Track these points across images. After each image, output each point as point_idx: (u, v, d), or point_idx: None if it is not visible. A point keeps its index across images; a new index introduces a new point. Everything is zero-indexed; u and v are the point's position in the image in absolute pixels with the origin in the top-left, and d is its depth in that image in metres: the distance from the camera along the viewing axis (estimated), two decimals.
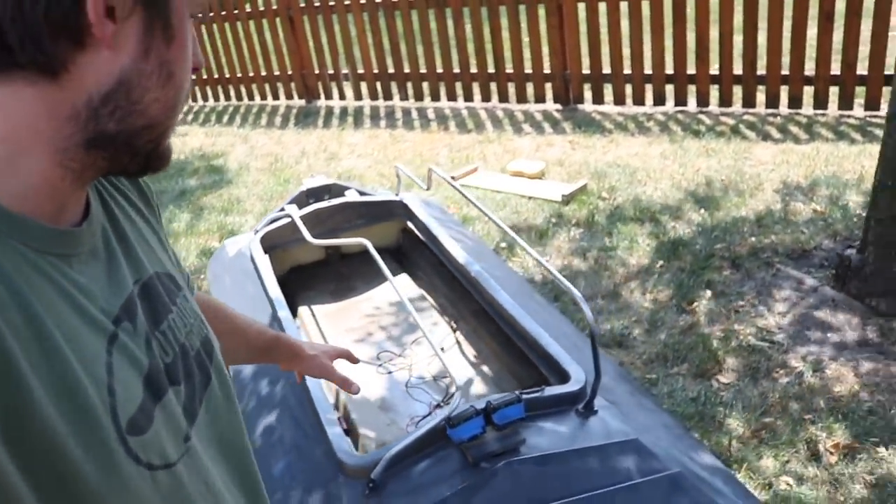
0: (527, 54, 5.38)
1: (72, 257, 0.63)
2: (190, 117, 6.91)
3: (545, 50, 5.37)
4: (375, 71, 6.07)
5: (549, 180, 4.19)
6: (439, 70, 5.79)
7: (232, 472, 0.79)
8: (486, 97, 5.67)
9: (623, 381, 2.24)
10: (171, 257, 0.84)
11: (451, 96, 5.82)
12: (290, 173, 5.06)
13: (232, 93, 7.00)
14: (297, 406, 2.23)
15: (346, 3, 5.96)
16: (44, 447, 0.53)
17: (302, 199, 3.53)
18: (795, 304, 2.83)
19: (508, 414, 1.82)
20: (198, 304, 1.01)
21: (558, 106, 5.38)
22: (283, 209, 3.41)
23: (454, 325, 2.81)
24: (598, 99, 5.24)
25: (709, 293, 2.99)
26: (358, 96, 6.29)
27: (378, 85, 6.14)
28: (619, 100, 5.16)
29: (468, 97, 5.75)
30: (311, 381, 2.20)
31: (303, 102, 6.56)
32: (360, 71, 6.16)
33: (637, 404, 2.19)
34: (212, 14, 6.68)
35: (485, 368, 2.65)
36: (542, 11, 5.22)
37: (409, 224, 3.07)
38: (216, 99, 7.15)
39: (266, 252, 3.16)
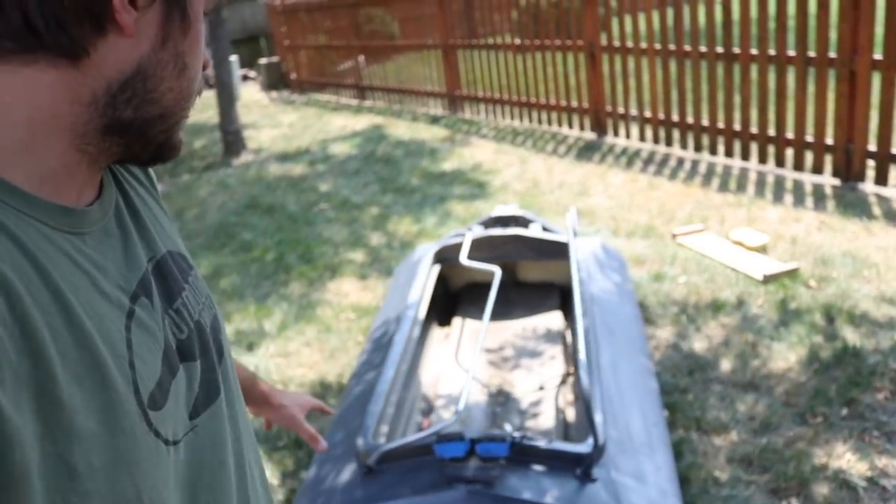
0: (810, 119, 5.00)
1: (85, 235, 0.64)
2: (492, 134, 7.50)
3: (830, 118, 4.94)
4: (661, 117, 6.07)
5: (768, 256, 3.94)
6: (720, 125, 5.62)
7: (241, 447, 0.79)
8: (762, 159, 5.38)
9: (663, 466, 2.21)
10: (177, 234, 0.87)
11: (729, 153, 5.60)
12: (538, 200, 5.33)
13: (534, 116, 7.45)
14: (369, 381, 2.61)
15: (643, 46, 6.04)
16: (66, 420, 0.53)
17: (489, 224, 3.83)
18: None
19: (491, 448, 1.99)
20: None
21: (836, 181, 4.92)
22: (470, 229, 3.75)
23: (569, 371, 2.92)
24: (881, 180, 4.70)
25: (844, 411, 2.67)
26: (642, 139, 6.34)
27: (662, 131, 6.12)
28: None
29: (745, 156, 5.49)
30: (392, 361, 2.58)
31: (594, 136, 6.77)
32: (648, 115, 6.20)
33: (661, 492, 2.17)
34: (526, 41, 7.19)
35: (548, 414, 2.74)
36: (832, 78, 4.82)
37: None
38: (519, 120, 7.65)
39: (439, 263, 3.53)
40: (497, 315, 3.56)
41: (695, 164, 5.69)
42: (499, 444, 1.99)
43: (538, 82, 7.25)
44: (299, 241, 5.16)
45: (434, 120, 8.53)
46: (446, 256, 3.51)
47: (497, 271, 2.97)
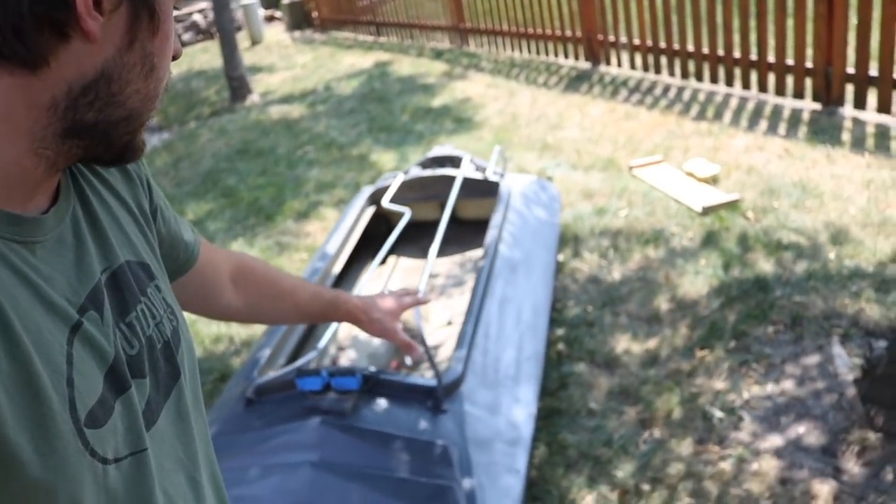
0: (790, 43, 4.80)
1: (35, 244, 0.61)
2: (490, 67, 7.41)
3: (809, 41, 4.73)
4: (650, 44, 5.90)
5: (717, 188, 3.87)
6: (705, 51, 5.44)
7: (192, 467, 0.76)
8: (745, 85, 5.20)
9: (524, 399, 2.28)
10: (155, 238, 0.82)
11: (714, 79, 5.44)
12: (511, 135, 5.30)
13: (532, 47, 7.31)
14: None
15: None
16: None
17: (427, 164, 3.87)
18: (801, 386, 2.42)
19: (343, 383, 2.11)
20: (240, 265, 1.07)
21: (817, 106, 4.75)
22: (406, 171, 3.80)
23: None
24: (859, 103, 4.51)
25: (732, 344, 2.67)
26: (633, 67, 6.18)
27: (651, 58, 5.96)
28: (884, 107, 4.38)
29: (729, 82, 5.32)
30: None
31: (589, 66, 6.63)
32: (637, 42, 6.03)
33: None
34: None
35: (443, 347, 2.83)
36: None
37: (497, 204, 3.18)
38: (519, 51, 7.53)
39: (373, 204, 3.60)
40: (426, 254, 3.63)
41: (680, 91, 5.54)
42: (350, 378, 2.11)
43: (534, 12, 7.10)
44: (277, 185, 5.28)
45: (438, 54, 8.46)
46: (379, 198, 3.57)
47: (407, 212, 3.03)
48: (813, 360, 2.54)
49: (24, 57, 0.56)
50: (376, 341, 3.01)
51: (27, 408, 0.54)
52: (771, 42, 4.98)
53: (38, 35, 0.56)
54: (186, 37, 12.92)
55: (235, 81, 7.89)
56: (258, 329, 3.36)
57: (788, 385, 2.45)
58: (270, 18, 13.63)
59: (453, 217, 3.84)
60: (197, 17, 12.87)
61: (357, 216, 3.46)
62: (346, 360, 2.95)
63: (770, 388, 2.45)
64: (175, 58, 0.69)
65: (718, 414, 2.37)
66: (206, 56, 11.37)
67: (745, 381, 2.49)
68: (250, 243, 4.39)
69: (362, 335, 3.09)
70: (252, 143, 6.45)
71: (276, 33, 12.51)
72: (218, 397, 2.99)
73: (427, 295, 2.24)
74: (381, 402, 2.14)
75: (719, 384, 2.50)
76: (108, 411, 0.62)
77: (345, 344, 3.04)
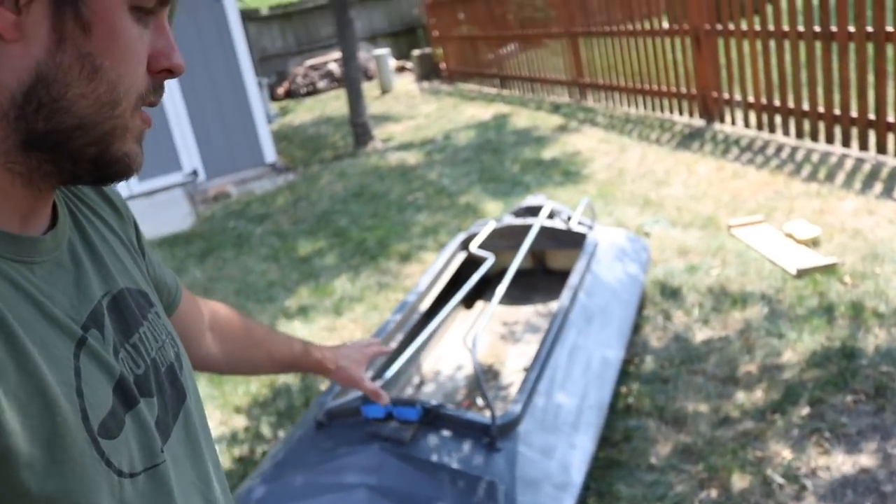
0: None
1: (34, 265, 0.62)
2: (605, 121, 7.48)
3: None
4: (764, 102, 5.81)
5: (817, 251, 3.77)
6: (820, 110, 5.31)
7: (206, 488, 0.76)
8: (863, 146, 5.04)
9: (580, 447, 2.33)
10: (147, 272, 0.84)
11: (829, 139, 5.29)
12: (615, 190, 5.34)
13: (646, 103, 7.33)
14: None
15: (744, 29, 5.81)
16: (11, 446, 0.52)
17: (520, 213, 4.00)
18: (874, 461, 2.33)
19: (404, 413, 2.27)
20: (215, 313, 1.07)
21: None
22: (500, 219, 3.95)
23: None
24: None
25: (806, 410, 2.60)
26: (747, 125, 6.09)
27: (765, 117, 5.86)
28: None
29: (846, 142, 5.16)
30: None
31: (703, 123, 6.58)
32: (751, 100, 5.95)
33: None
34: (619, 28, 7.09)
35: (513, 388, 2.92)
36: None
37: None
38: (634, 107, 7.55)
39: (464, 249, 3.77)
40: (518, 300, 3.74)
41: (793, 151, 5.42)
42: (411, 409, 2.25)
43: (651, 69, 7.13)
44: (385, 228, 5.54)
45: (556, 108, 8.60)
46: (486, 245, 3.72)
47: (490, 258, 3.17)
48: (892, 434, 2.45)
49: None
50: (454, 378, 3.13)
51: (40, 417, 0.55)
52: (890, 100, 4.82)
53: None
54: (322, 84, 13.68)
55: (359, 128, 8.31)
56: None
57: (861, 458, 2.37)
58: (401, 69, 14.22)
59: (543, 267, 3.94)
60: (332, 66, 13.61)
61: (448, 259, 3.61)
62: (418, 392, 3.08)
63: (840, 459, 2.38)
64: (172, 72, 0.66)
65: (780, 480, 2.32)
66: (336, 103, 12.00)
67: (814, 450, 2.43)
68: (352, 281, 4.63)
69: (445, 370, 3.23)
70: (368, 187, 6.77)
71: (405, 83, 13.05)
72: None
73: (472, 342, 2.31)
74: (439, 435, 2.25)
75: (787, 451, 2.45)
76: (120, 424, 0.62)
77: (425, 378, 3.18)
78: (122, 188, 7.44)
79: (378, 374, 2.66)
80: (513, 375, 3.11)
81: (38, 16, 0.58)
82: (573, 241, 3.59)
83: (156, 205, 7.24)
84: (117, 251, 0.77)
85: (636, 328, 3.33)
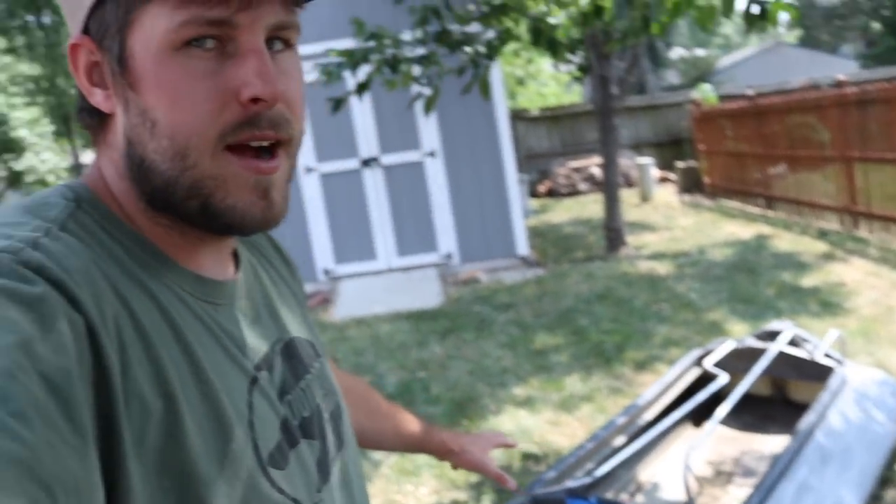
0: None
1: (218, 306, 0.68)
2: (877, 254, 6.92)
3: None
4: None
5: None
6: None
7: None
8: None
9: None
10: (312, 327, 0.86)
11: None
12: (879, 328, 4.92)
13: None
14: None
15: None
16: (189, 463, 0.57)
17: (762, 336, 3.87)
18: None
19: None
20: (347, 383, 1.05)
21: None
22: (741, 340, 3.86)
23: None
24: None
25: None
26: None
27: None
28: None
29: None
30: None
31: None
32: None
33: None
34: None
35: None
36: None
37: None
38: None
39: (699, 365, 3.74)
40: (751, 426, 3.59)
41: None
42: None
43: None
44: (624, 333, 5.54)
45: (822, 234, 8.11)
46: (724, 365, 3.64)
47: (723, 378, 3.10)
48: None
49: (91, 131, 0.66)
50: (666, 493, 3.06)
51: (218, 441, 0.60)
52: None
53: (88, 112, 0.66)
54: (583, 186, 14.03)
55: (613, 232, 8.42)
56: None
57: None
58: (664, 180, 14.19)
59: (783, 396, 3.74)
60: (594, 170, 13.93)
61: (681, 372, 3.57)
62: (630, 500, 3.04)
63: None
64: (257, 100, 0.61)
65: None
66: (594, 206, 12.22)
67: None
68: (584, 380, 4.67)
69: (660, 483, 3.16)
70: (613, 290, 6.82)
71: (666, 194, 12.99)
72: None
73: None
74: None
75: None
76: (286, 458, 0.67)
77: (637, 486, 3.14)
78: (382, 260, 8.15)
79: (589, 472, 2.70)
80: (732, 502, 2.97)
81: (110, 84, 0.63)
82: (818, 374, 3.39)
83: (411, 280, 7.82)
84: (288, 302, 0.82)
85: (882, 482, 3.04)
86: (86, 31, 0.63)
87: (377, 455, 3.78)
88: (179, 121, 0.60)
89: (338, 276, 8.17)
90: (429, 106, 3.66)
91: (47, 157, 15.94)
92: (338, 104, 3.83)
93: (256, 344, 0.71)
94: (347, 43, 7.76)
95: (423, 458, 3.71)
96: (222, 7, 0.59)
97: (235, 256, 0.76)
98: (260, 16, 0.61)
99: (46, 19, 17.77)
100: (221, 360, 0.64)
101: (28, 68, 15.43)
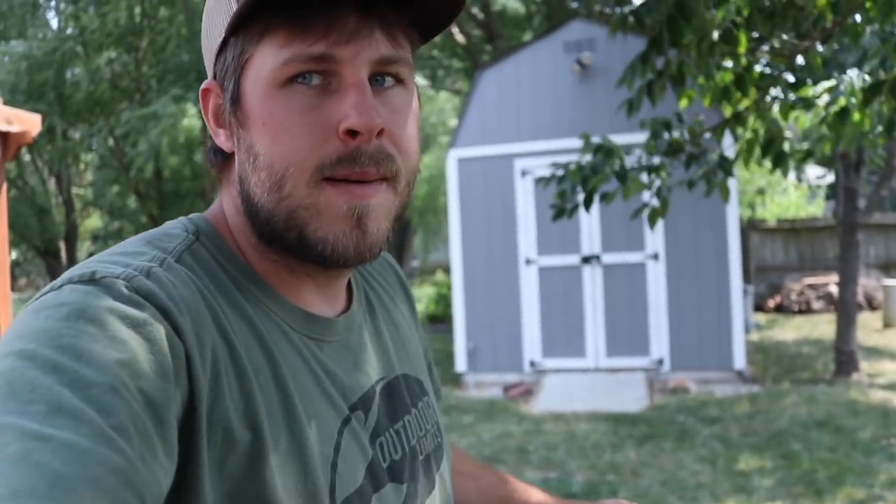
0: None
1: (324, 343, 0.70)
2: None
3: None
4: None
5: None
6: None
7: None
8: None
9: None
10: (423, 363, 0.87)
11: None
12: None
13: None
14: None
15: None
16: (265, 497, 0.59)
17: None
18: None
19: None
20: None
21: None
22: None
23: None
24: None
25: None
26: None
27: None
28: None
29: None
30: None
31: None
32: None
33: None
34: None
35: None
36: None
37: None
38: None
39: None
40: None
41: None
42: None
43: None
44: (842, 466, 5.04)
45: None
46: None
47: None
48: None
49: (217, 171, 0.71)
50: None
51: (297, 481, 0.62)
52: None
53: (214, 151, 0.70)
54: (817, 305, 13.04)
55: (844, 356, 7.74)
56: None
57: None
58: None
59: None
60: (832, 289, 12.91)
61: None
62: None
63: None
64: (352, 132, 0.61)
65: None
66: (827, 327, 11.28)
67: None
68: None
69: None
70: (836, 418, 6.24)
71: None
72: None
73: None
74: None
75: None
76: (365, 502, 0.67)
77: None
78: (591, 359, 8.07)
79: None
80: None
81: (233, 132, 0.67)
82: None
83: (616, 382, 7.67)
84: (403, 336, 0.82)
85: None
86: (214, 75, 0.68)
87: None
88: (277, 152, 0.62)
89: (543, 370, 8.20)
90: (653, 219, 3.63)
91: None
92: (560, 213, 3.88)
93: (357, 382, 0.72)
94: (566, 143, 8.00)
95: None
96: (323, 42, 0.61)
97: (350, 290, 0.78)
98: (361, 50, 0.62)
99: None
100: (317, 398, 0.66)
101: None
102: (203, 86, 0.68)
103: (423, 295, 16.97)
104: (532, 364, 8.24)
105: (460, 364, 8.39)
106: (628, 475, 5.03)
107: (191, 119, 11.68)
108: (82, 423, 0.48)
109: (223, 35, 0.64)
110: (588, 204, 3.68)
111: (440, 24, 0.67)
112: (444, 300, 13.40)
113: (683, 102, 3.57)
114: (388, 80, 0.65)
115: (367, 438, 0.70)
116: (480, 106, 8.57)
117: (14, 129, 4.10)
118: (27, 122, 4.19)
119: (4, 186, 4.05)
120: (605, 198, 3.78)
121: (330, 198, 0.63)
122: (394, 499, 0.70)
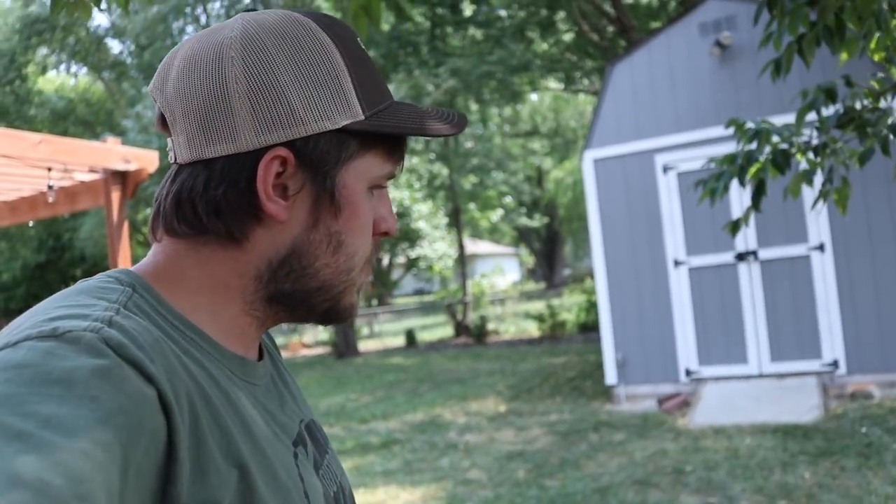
0: None
1: (255, 386, 0.73)
2: None
3: None
4: None
5: None
6: None
7: None
8: None
9: None
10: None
11: None
12: None
13: None
14: None
15: None
16: None
17: None
18: None
19: None
20: None
21: None
22: None
23: None
24: None
25: None
26: None
27: None
28: None
29: None
30: None
31: None
32: None
33: None
34: None
35: None
36: None
37: None
38: None
39: None
40: None
41: None
42: None
43: None
44: None
45: None
46: None
47: None
48: None
49: (225, 233, 0.69)
50: None
51: None
52: None
53: (234, 215, 0.68)
54: None
55: None
56: None
57: None
58: None
59: None
60: None
61: None
62: None
63: None
64: (387, 234, 0.77)
65: None
66: None
67: None
68: None
69: None
70: None
71: None
72: None
73: None
74: None
75: None
76: None
77: None
78: (753, 364, 7.36)
79: None
80: None
81: (302, 202, 0.70)
82: None
83: (784, 389, 6.94)
84: (291, 387, 0.86)
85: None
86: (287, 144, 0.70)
87: None
88: (359, 244, 0.74)
89: (701, 378, 7.57)
90: (843, 202, 3.03)
91: (438, 247, 17.61)
92: (735, 226, 3.35)
93: (289, 422, 0.76)
94: (710, 132, 7.37)
95: None
96: (400, 164, 0.77)
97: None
98: None
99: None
100: (270, 433, 0.70)
101: (429, 166, 17.33)
102: (278, 151, 0.68)
103: (573, 303, 16.46)
104: (688, 373, 7.63)
105: (610, 376, 7.92)
106: (803, 499, 4.42)
107: None
108: (43, 496, 0.46)
109: (334, 127, 0.70)
110: (756, 202, 3.13)
111: None
112: (594, 308, 12.90)
113: (844, 56, 2.96)
114: None
115: (313, 471, 0.75)
116: (614, 102, 8.12)
117: (132, 167, 4.15)
118: (144, 160, 4.24)
119: (126, 224, 4.09)
120: (791, 191, 3.18)
121: (363, 278, 0.77)
122: None
